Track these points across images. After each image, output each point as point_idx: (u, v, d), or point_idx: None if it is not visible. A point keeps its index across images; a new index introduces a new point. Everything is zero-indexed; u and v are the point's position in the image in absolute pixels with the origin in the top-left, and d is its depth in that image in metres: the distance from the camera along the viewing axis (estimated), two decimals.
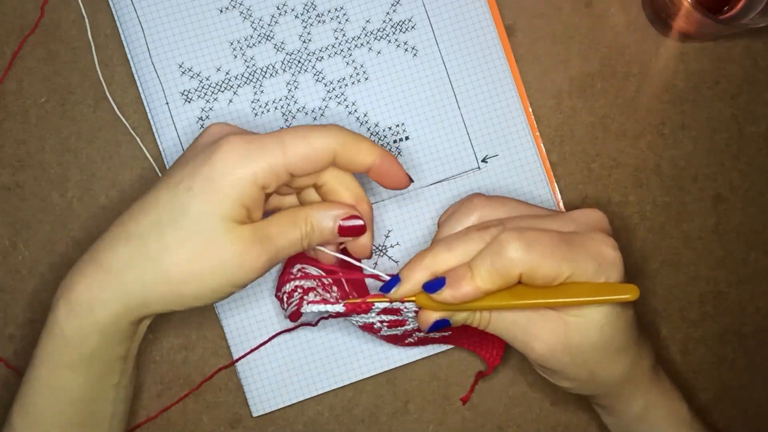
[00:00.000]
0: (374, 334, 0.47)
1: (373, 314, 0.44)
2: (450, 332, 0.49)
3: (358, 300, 0.43)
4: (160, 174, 0.52)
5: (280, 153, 0.39)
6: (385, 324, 0.45)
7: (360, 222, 0.42)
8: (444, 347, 0.52)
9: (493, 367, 0.49)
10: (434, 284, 0.40)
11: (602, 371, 0.43)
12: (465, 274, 0.40)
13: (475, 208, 0.43)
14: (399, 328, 0.46)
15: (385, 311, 0.44)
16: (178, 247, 0.38)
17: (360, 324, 0.46)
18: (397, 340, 0.49)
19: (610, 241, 0.41)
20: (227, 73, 0.52)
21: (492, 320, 0.42)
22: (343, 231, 0.42)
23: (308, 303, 0.43)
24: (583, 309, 0.41)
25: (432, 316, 0.42)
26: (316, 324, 0.51)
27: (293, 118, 0.52)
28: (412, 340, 0.50)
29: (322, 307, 0.43)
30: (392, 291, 0.42)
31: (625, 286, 0.40)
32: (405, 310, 0.43)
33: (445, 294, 0.40)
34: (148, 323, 0.43)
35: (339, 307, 0.43)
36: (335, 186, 0.43)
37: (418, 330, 0.47)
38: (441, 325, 0.42)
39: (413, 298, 0.42)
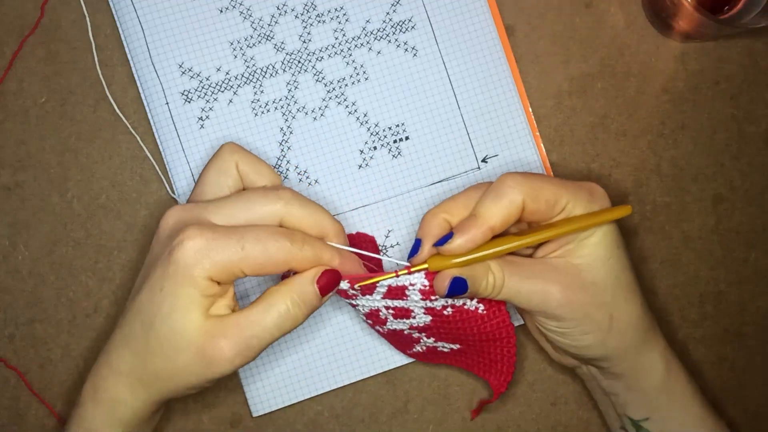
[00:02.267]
0: (381, 327, 0.47)
1: (378, 297, 0.44)
2: (459, 346, 0.48)
3: (362, 275, 0.43)
4: (160, 174, 0.52)
5: (238, 256, 0.39)
6: (390, 313, 0.45)
7: (334, 270, 0.42)
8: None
9: (498, 394, 0.48)
10: (444, 238, 0.42)
11: (620, 312, 0.44)
12: (471, 219, 0.42)
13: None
14: (405, 320, 0.46)
15: (389, 292, 0.44)
16: (158, 347, 0.40)
17: (366, 311, 0.46)
18: (404, 345, 0.49)
19: (600, 187, 0.45)
20: (227, 73, 0.52)
21: (506, 282, 0.43)
22: (325, 288, 0.42)
23: None
24: (586, 248, 0.43)
25: (446, 276, 0.42)
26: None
27: (293, 118, 0.52)
28: (420, 349, 0.49)
29: None
30: (416, 256, 0.43)
31: (618, 207, 0.43)
32: (410, 288, 0.43)
33: (457, 242, 0.41)
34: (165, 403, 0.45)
35: (343, 284, 0.43)
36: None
37: (426, 333, 0.47)
38: (458, 287, 0.42)
39: (425, 265, 0.42)
